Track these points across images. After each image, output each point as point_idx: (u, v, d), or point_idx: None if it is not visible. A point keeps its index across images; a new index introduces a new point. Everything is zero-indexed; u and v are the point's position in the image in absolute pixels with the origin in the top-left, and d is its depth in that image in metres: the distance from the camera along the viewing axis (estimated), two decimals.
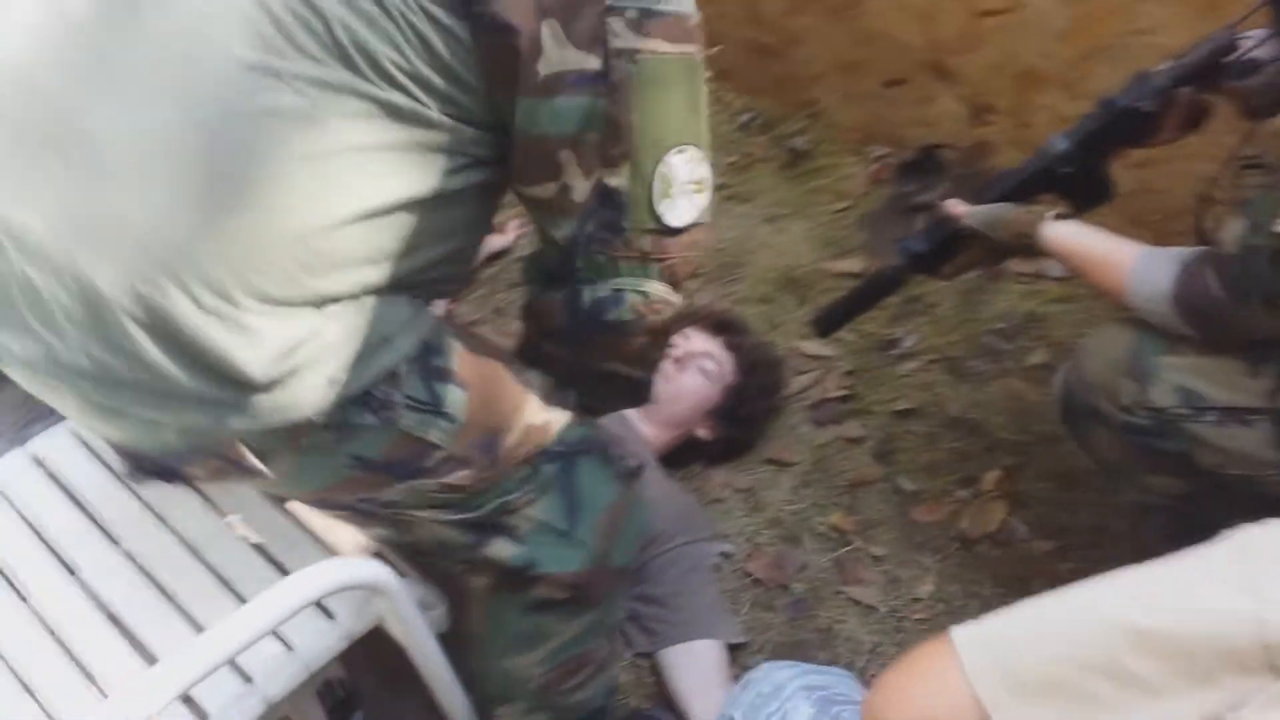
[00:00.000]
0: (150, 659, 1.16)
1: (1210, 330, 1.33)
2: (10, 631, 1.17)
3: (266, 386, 0.98)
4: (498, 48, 0.98)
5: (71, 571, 1.23)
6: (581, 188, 1.05)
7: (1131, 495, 1.51)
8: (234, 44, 0.94)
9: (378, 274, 1.03)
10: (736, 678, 1.64)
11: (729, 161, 2.44)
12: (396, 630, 1.20)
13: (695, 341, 1.92)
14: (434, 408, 1.08)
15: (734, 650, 1.67)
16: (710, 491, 1.89)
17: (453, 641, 1.33)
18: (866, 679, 1.65)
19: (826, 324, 1.77)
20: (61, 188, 0.94)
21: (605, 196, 1.06)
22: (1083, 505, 1.82)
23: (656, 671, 1.65)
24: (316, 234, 0.97)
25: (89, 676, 1.15)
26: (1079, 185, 1.54)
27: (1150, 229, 2.11)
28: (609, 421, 1.77)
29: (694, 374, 1.88)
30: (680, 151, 1.06)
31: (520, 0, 0.97)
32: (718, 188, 2.34)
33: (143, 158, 0.94)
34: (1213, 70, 1.42)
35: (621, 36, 1.00)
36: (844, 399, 2.02)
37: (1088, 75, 2.02)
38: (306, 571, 1.07)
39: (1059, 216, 1.46)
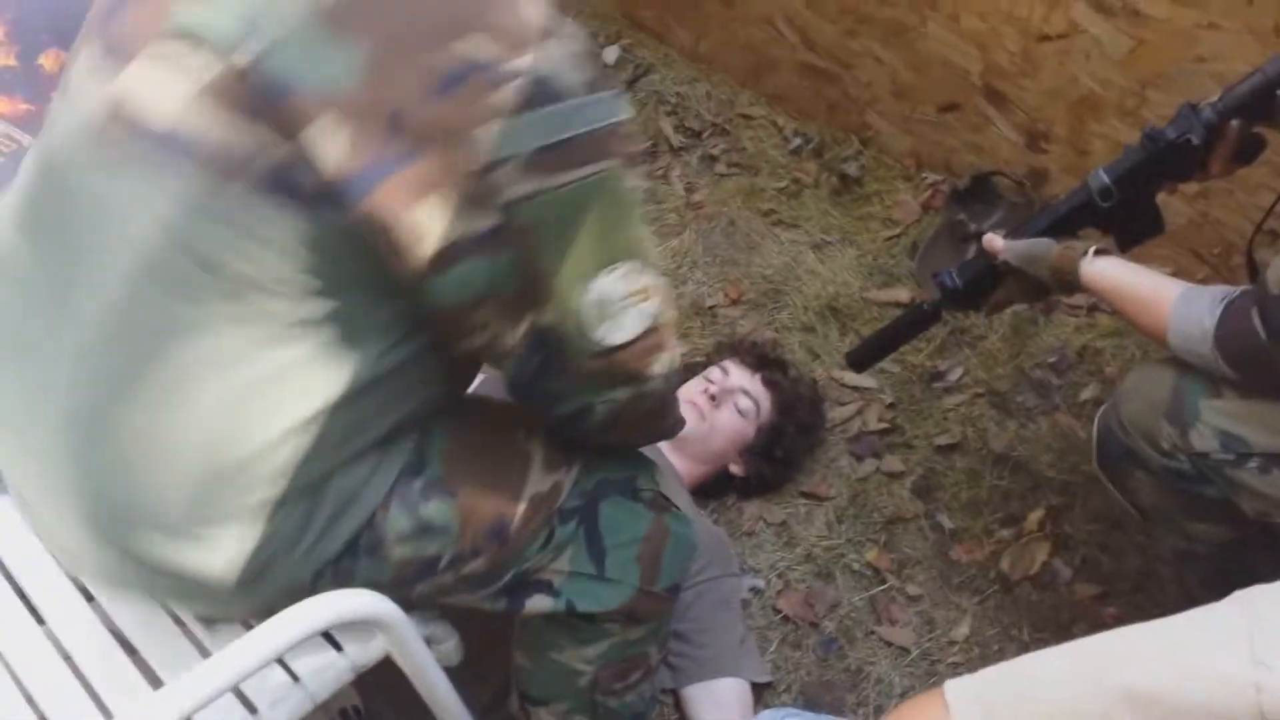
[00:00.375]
0: (158, 684, 1.17)
1: (1253, 373, 1.27)
2: (24, 653, 1.19)
3: (250, 580, 1.05)
4: (380, 241, 0.92)
5: (89, 598, 1.24)
6: (512, 335, 1.00)
7: (1173, 542, 1.45)
8: (146, 297, 0.97)
9: (329, 462, 1.03)
10: None
11: (778, 187, 2.42)
12: (402, 664, 1.19)
13: (733, 377, 1.89)
14: (423, 532, 1.09)
15: (760, 690, 1.64)
16: (742, 524, 1.87)
17: (490, 645, 1.33)
18: None
19: (861, 359, 1.73)
20: (16, 468, 1.09)
21: (539, 337, 1.00)
22: (1129, 549, 1.76)
23: (680, 708, 1.62)
24: (255, 459, 0.99)
25: (98, 700, 1.16)
26: (1124, 220, 1.49)
27: (1208, 263, 2.04)
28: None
29: (730, 411, 1.85)
30: (610, 271, 0.98)
31: (390, 191, 0.89)
32: (765, 213, 2.36)
33: (68, 429, 1.02)
34: (1264, 102, 1.36)
35: (515, 184, 0.90)
36: (884, 432, 1.97)
37: (1146, 103, 1.96)
38: (309, 602, 1.07)
39: (1099, 252, 1.41)
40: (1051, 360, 2.03)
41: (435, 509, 1.10)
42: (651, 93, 2.67)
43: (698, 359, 2.04)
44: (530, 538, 1.15)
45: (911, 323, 1.66)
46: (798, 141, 2.49)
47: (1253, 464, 1.29)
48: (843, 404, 2.02)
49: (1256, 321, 1.23)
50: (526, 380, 1.05)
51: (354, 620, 1.08)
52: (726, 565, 1.71)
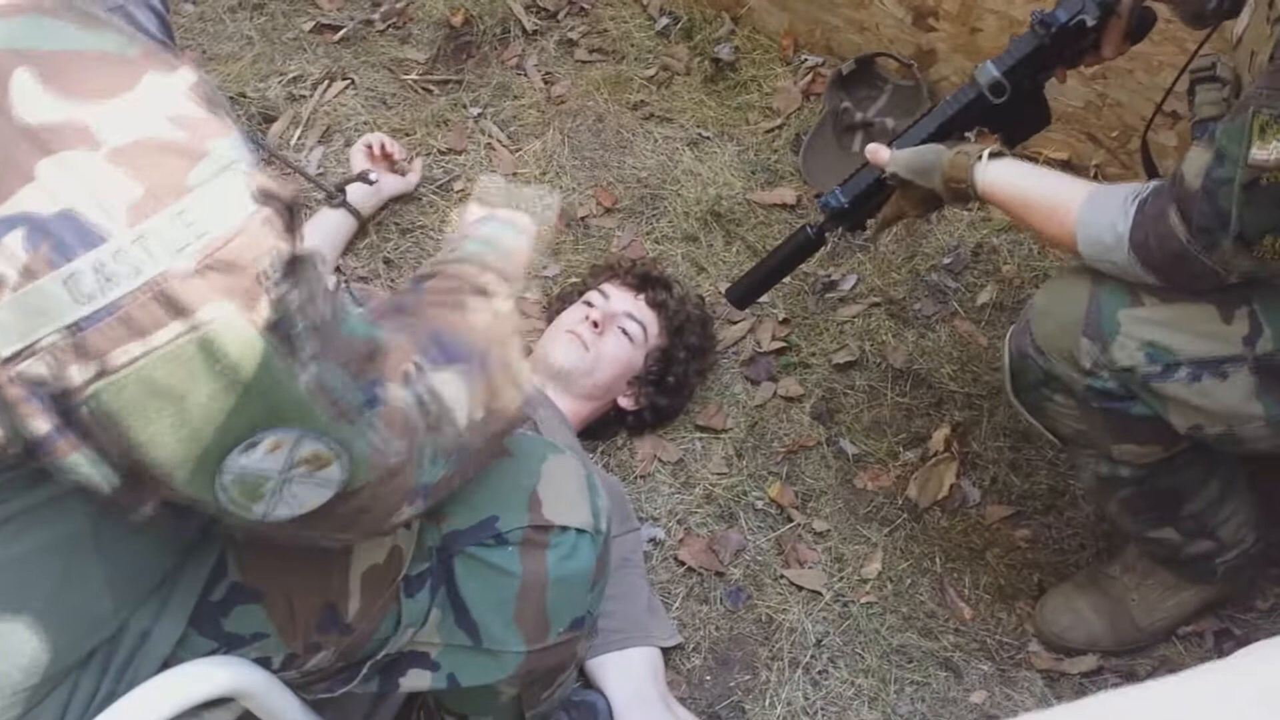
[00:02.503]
0: None
1: (1177, 277, 1.18)
2: None
3: None
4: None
5: None
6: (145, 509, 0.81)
7: (1096, 468, 1.37)
8: None
9: (79, 649, 0.87)
10: (672, 683, 1.51)
11: (646, 75, 2.19)
12: None
13: (615, 300, 1.71)
14: (236, 644, 0.91)
15: (669, 651, 1.52)
16: (635, 467, 1.72)
17: None
18: (813, 675, 1.52)
19: (743, 295, 1.61)
20: None
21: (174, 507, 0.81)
22: (1039, 465, 1.70)
23: (587, 679, 1.49)
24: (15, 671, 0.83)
25: None
26: (1014, 115, 1.38)
27: (1105, 147, 1.93)
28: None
29: (614, 337, 1.68)
30: (248, 449, 0.76)
31: None
32: (635, 106, 2.14)
33: None
34: None
35: (60, 377, 0.70)
36: (779, 352, 1.84)
37: None
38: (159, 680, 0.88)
39: (994, 156, 1.29)
40: (947, 262, 1.91)
41: (238, 618, 0.92)
42: None
43: (573, 281, 1.85)
44: (379, 616, 0.98)
45: (795, 251, 1.53)
46: (665, 21, 2.26)
47: (1181, 374, 1.22)
48: (733, 322, 1.87)
49: (1175, 220, 1.14)
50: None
51: (209, 698, 0.90)
52: (625, 519, 1.57)
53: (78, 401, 0.71)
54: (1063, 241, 1.26)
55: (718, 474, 1.71)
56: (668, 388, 1.72)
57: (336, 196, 1.82)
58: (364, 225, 1.93)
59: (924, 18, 2.02)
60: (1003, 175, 1.29)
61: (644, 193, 2.03)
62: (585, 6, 2.30)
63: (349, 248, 1.93)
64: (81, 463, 0.74)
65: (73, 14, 0.75)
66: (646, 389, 1.72)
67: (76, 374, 0.70)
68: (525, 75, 2.21)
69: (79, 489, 0.76)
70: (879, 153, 1.37)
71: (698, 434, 1.76)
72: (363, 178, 1.84)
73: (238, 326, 0.72)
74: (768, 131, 2.10)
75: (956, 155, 1.31)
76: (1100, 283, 1.25)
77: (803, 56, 2.18)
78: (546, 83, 2.20)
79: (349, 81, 2.19)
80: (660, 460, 1.73)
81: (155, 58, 0.74)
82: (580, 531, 1.07)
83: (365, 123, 2.11)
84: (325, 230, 1.86)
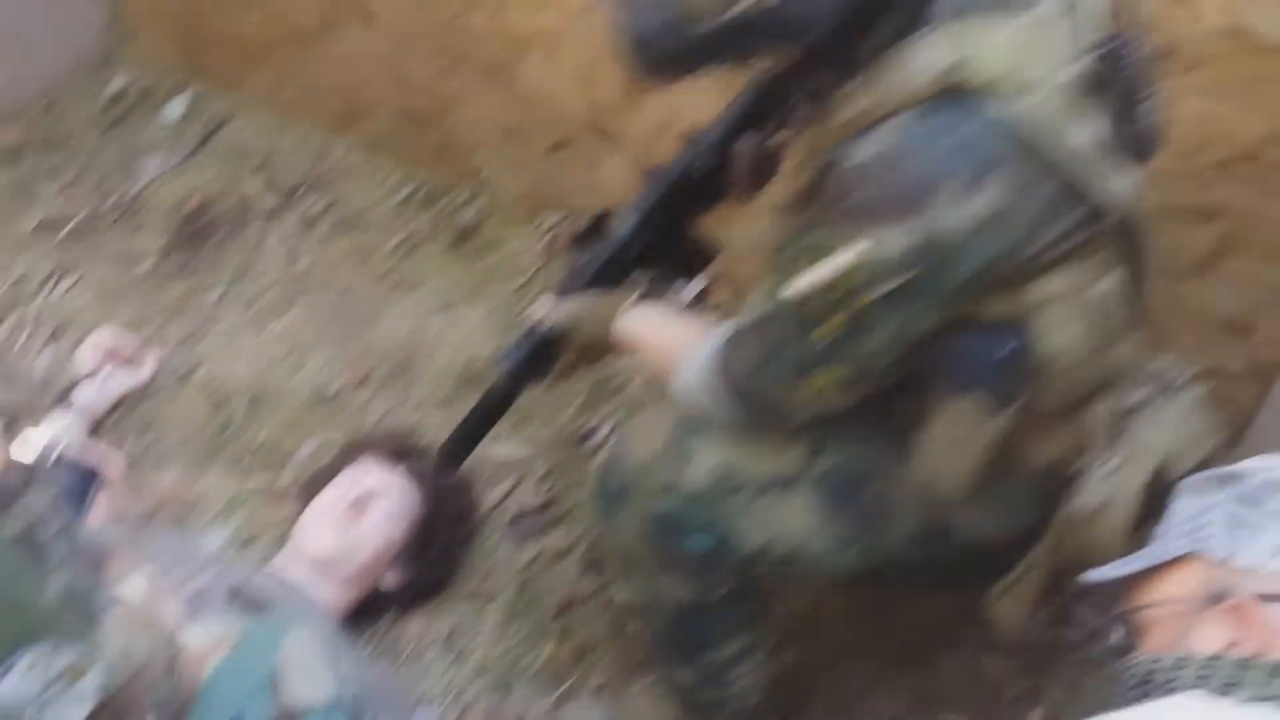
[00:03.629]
0: None
1: (749, 414, 1.22)
2: None
3: None
4: None
5: None
6: None
7: (637, 592, 1.41)
8: None
9: None
10: None
11: (391, 246, 2.21)
12: None
13: (371, 477, 1.68)
14: None
15: None
16: (404, 648, 1.67)
17: None
18: None
19: (453, 454, 1.62)
20: None
21: None
22: None
23: None
24: None
25: None
26: (670, 256, 1.43)
27: None
28: (272, 592, 1.52)
29: (375, 517, 1.64)
30: (3, 676, 0.74)
31: None
32: (381, 277, 2.15)
33: None
34: (761, 114, 1.31)
35: None
36: (544, 507, 1.84)
37: None
38: None
39: (636, 303, 1.34)
40: None
41: None
42: (231, 148, 2.37)
43: (324, 463, 1.81)
44: None
45: (491, 408, 1.56)
46: (406, 191, 2.30)
47: (747, 491, 1.27)
48: (496, 483, 1.87)
49: (741, 357, 1.19)
50: None
51: None
52: (398, 712, 1.51)
53: None
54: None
55: (490, 642, 1.68)
56: (431, 561, 1.69)
57: (63, 400, 1.75)
58: (98, 426, 1.85)
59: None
60: (632, 325, 1.34)
61: (396, 361, 2.03)
62: (324, 182, 2.32)
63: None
64: None
65: None
66: (409, 564, 1.68)
67: None
68: (266, 254, 2.19)
69: None
70: (539, 307, 1.43)
71: (467, 602, 1.73)
72: (91, 376, 1.78)
73: None
74: (516, 290, 2.15)
75: (601, 305, 1.36)
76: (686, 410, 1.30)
77: (543, 217, 2.25)
78: (288, 260, 2.18)
79: (79, 276, 2.11)
80: (429, 638, 1.68)
81: None
82: (330, 708, 1.08)
83: (97, 317, 2.04)
84: (53, 436, 1.76)
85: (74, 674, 0.77)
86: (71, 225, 2.20)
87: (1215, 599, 0.85)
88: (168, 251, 2.18)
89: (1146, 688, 0.85)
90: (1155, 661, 0.85)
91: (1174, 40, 1.45)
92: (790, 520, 1.27)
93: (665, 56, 1.06)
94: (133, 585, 0.90)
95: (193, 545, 1.64)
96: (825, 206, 1.06)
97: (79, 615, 0.78)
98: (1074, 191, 1.04)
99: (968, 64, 1.00)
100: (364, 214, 2.27)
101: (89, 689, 0.78)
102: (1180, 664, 0.83)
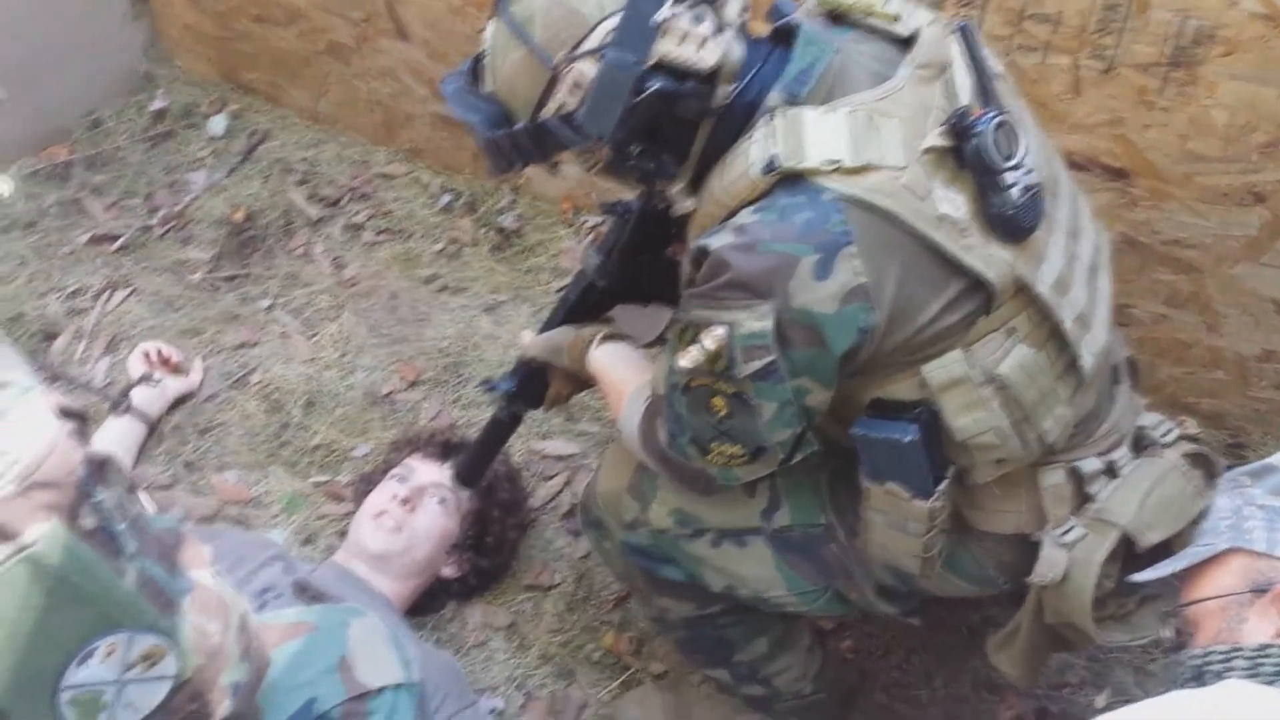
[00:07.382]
0: None
1: (675, 474, 1.25)
2: None
3: None
4: None
5: None
6: None
7: (648, 611, 1.47)
8: None
9: None
10: None
11: (435, 250, 2.25)
12: None
13: (422, 473, 1.71)
14: None
15: None
16: (467, 637, 1.69)
17: None
18: None
19: (469, 475, 1.64)
20: None
21: None
22: None
23: None
24: None
25: None
26: (639, 287, 1.42)
27: None
28: (335, 585, 1.55)
29: (427, 511, 1.67)
30: (84, 661, 0.79)
31: None
32: (428, 280, 2.18)
33: None
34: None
35: None
36: None
37: None
38: None
39: (606, 339, 1.36)
40: None
41: None
42: (274, 161, 2.41)
43: (376, 461, 1.84)
44: None
45: (497, 433, 1.59)
46: (447, 198, 2.33)
47: (706, 538, 1.31)
48: (549, 478, 1.89)
49: (657, 423, 1.21)
50: None
51: None
52: (461, 696, 1.53)
53: None
54: None
55: (551, 631, 1.70)
56: (488, 548, 1.72)
57: (121, 403, 1.80)
58: (154, 428, 1.89)
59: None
60: (596, 360, 1.36)
61: (446, 362, 2.06)
62: (366, 191, 2.36)
63: (143, 454, 1.86)
64: None
65: None
66: (467, 554, 1.71)
67: None
68: (314, 262, 2.23)
69: None
70: (522, 338, 1.47)
71: (526, 594, 1.75)
72: (145, 380, 1.84)
73: (63, 540, 0.74)
74: (559, 290, 2.17)
75: (576, 339, 1.39)
76: None
77: (583, 217, 2.28)
78: (336, 267, 2.22)
79: (132, 289, 2.16)
80: (492, 627, 1.71)
81: None
82: (396, 687, 1.12)
83: (151, 327, 2.08)
84: (114, 439, 1.80)
85: (152, 658, 0.81)
86: (122, 240, 2.25)
87: (1260, 590, 0.87)
88: (217, 262, 2.22)
89: (1202, 680, 0.87)
90: (1207, 654, 0.88)
91: (1212, 25, 1.46)
92: (752, 568, 1.30)
93: (499, 152, 1.13)
94: (205, 573, 0.93)
95: (257, 542, 1.67)
96: (697, 287, 1.07)
97: (155, 602, 0.81)
98: (948, 263, 1.04)
99: (797, 153, 1.02)
100: (407, 221, 2.30)
101: (167, 671, 0.82)
102: (1231, 655, 0.86)
